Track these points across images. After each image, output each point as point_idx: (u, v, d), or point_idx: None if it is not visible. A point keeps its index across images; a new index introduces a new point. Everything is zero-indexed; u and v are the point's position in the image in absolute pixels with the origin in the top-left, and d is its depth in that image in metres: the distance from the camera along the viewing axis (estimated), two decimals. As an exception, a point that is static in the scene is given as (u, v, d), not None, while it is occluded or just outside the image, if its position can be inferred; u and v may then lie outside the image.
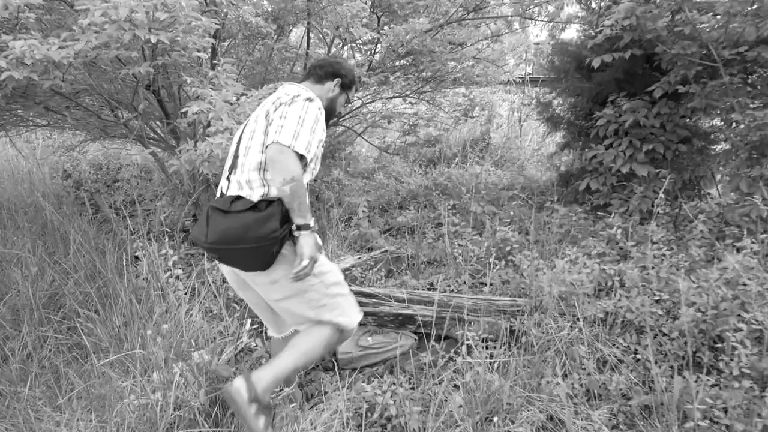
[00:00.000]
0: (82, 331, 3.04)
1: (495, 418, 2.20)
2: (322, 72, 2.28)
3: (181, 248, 4.33)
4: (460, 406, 2.29)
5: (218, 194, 2.19)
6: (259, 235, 1.89)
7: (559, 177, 5.75)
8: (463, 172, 6.66)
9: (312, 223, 1.99)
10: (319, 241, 2.09)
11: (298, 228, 1.96)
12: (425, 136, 5.83)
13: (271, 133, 1.93)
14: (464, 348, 2.30)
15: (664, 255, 3.15)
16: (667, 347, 2.56)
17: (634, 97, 4.45)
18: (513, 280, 3.33)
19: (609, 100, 4.59)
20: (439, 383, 2.62)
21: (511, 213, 4.23)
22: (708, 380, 2.29)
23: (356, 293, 3.16)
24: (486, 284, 3.35)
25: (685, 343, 2.55)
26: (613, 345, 2.68)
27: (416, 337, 3.00)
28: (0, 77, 2.29)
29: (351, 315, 2.19)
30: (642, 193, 4.24)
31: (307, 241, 1.96)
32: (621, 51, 4.07)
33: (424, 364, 2.83)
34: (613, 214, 3.85)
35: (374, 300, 3.09)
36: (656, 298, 2.77)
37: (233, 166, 2.12)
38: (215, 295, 3.63)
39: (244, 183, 2.04)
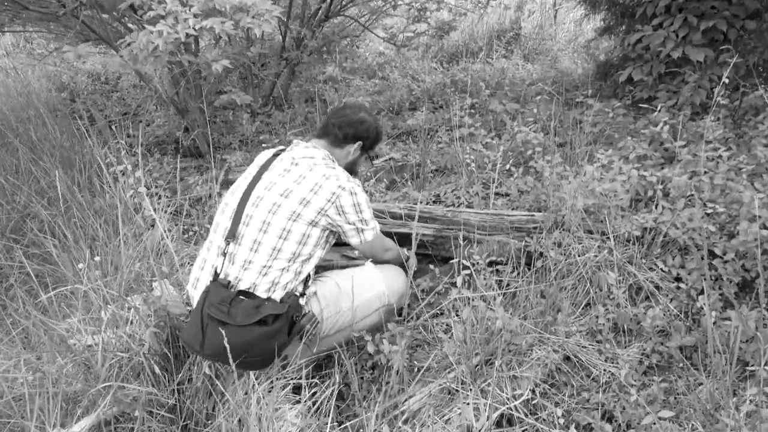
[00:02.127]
0: (45, 258, 2.75)
1: (497, 362, 1.80)
2: (341, 134, 2.03)
3: (164, 161, 3.95)
4: (459, 344, 1.90)
5: (208, 271, 1.85)
6: (265, 350, 1.70)
7: (597, 68, 4.99)
8: (487, 67, 5.93)
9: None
10: None
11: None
12: (437, 22, 5.06)
13: (350, 238, 1.95)
14: (459, 279, 1.86)
15: (720, 157, 2.56)
16: (720, 272, 2.06)
17: (693, -38, 3.61)
18: (533, 191, 2.81)
19: (661, -32, 3.76)
20: (437, 315, 2.22)
21: (535, 110, 3.61)
22: (771, 315, 1.81)
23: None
24: (499, 195, 2.86)
25: (743, 267, 2.04)
26: (650, 269, 2.20)
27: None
28: None
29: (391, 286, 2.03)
30: (696, 82, 3.54)
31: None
32: None
33: (422, 291, 2.43)
34: (658, 108, 3.20)
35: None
36: (708, 210, 2.23)
37: (233, 235, 1.82)
38: (200, 215, 3.28)
39: (257, 269, 1.78)
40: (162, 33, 2.16)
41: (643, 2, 3.82)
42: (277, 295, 1.80)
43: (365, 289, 1.98)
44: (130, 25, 4.47)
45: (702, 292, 2.07)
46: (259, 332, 1.67)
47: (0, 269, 2.93)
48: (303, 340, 1.85)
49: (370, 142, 2.09)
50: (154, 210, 2.76)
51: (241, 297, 1.75)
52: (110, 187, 3.13)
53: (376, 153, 2.19)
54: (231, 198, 1.93)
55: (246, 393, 1.74)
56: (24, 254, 2.95)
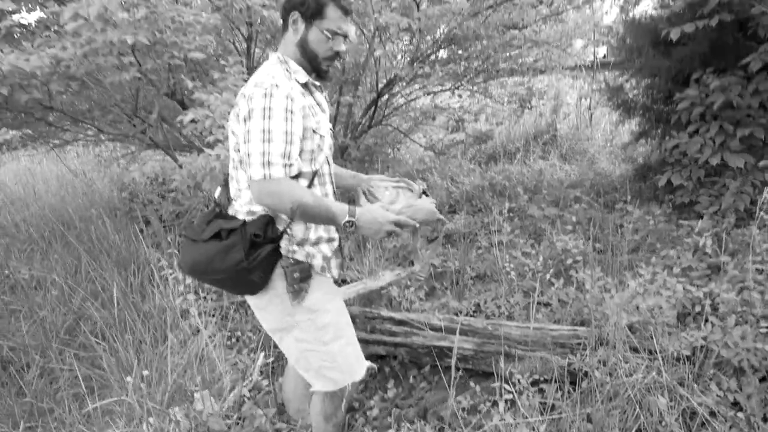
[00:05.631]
0: (93, 362, 2.83)
1: (544, 496, 1.71)
2: (281, 15, 1.72)
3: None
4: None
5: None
6: (224, 268, 1.61)
7: (635, 171, 5.04)
8: (524, 168, 6.06)
9: (348, 216, 1.59)
10: (384, 216, 1.64)
11: (344, 229, 1.62)
12: (473, 132, 5.28)
13: (245, 165, 1.59)
14: (501, 404, 1.81)
15: (770, 269, 2.49)
16: (781, 398, 1.94)
17: (724, 73, 3.71)
18: (574, 303, 2.77)
19: (693, 79, 3.87)
20: (478, 438, 2.14)
21: (574, 219, 3.64)
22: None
23: (385, 319, 2.75)
24: (540, 305, 2.82)
25: (807, 394, 1.92)
26: (704, 392, 2.09)
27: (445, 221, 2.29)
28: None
29: (345, 369, 1.79)
30: (737, 189, 3.52)
31: (366, 227, 1.62)
32: (706, 18, 3.37)
33: (463, 409, 2.36)
34: (701, 216, 3.18)
35: (406, 328, 2.65)
36: (763, 330, 2.15)
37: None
38: (244, 319, 3.34)
39: (233, 194, 1.74)
40: (219, 156, 2.35)
41: (678, 110, 3.91)
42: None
43: (333, 347, 1.77)
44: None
45: (766, 419, 1.95)
46: (216, 247, 1.61)
47: (51, 371, 3.01)
48: (290, 289, 1.69)
49: (306, 8, 1.65)
50: (212, 314, 2.84)
51: (217, 218, 1.70)
52: (161, 291, 3.26)
53: (335, 28, 1.66)
54: None
55: None
56: (75, 357, 3.05)
